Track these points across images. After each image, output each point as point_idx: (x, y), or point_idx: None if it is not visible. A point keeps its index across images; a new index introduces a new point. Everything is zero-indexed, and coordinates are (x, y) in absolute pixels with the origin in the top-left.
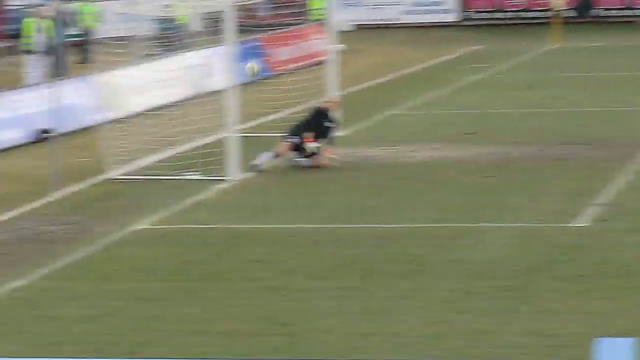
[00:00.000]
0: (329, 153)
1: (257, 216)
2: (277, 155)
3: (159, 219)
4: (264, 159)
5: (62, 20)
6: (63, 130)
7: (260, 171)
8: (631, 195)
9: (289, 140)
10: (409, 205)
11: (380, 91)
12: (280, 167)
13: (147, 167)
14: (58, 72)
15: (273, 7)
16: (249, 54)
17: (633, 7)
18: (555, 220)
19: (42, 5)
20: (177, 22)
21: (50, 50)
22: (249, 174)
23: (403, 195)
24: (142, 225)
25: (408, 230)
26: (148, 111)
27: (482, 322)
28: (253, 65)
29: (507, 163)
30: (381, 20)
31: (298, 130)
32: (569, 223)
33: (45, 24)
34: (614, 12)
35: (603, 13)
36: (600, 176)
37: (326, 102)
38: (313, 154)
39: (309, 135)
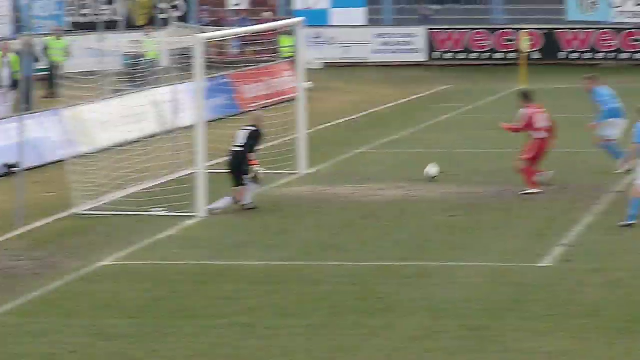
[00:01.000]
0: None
1: (225, 253)
2: (236, 201)
3: (126, 254)
4: (221, 205)
5: (29, 54)
6: (29, 164)
7: (215, 214)
8: (594, 236)
9: (244, 184)
10: (377, 243)
11: (349, 129)
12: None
13: (114, 203)
14: (25, 106)
15: (243, 44)
16: (218, 90)
17: (597, 50)
18: (522, 260)
19: (10, 39)
20: (146, 58)
21: (16, 84)
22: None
23: (371, 233)
24: (109, 261)
25: (376, 268)
26: (116, 146)
27: None
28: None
29: (474, 203)
30: (350, 58)
31: (241, 155)
32: (535, 263)
33: (12, 57)
34: (579, 55)
35: (569, 56)
36: (565, 217)
37: (255, 118)
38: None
39: (253, 157)
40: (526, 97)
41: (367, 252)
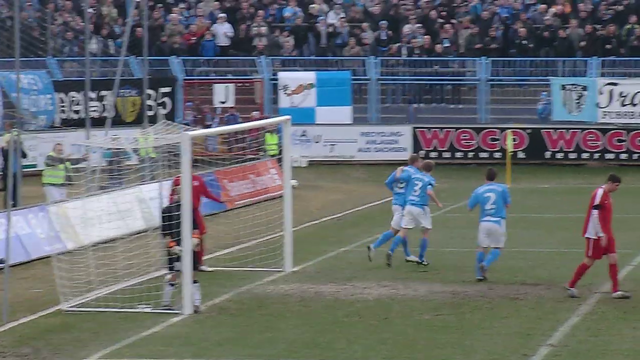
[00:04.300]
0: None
1: (211, 350)
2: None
3: (112, 351)
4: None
5: (16, 150)
6: (16, 260)
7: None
8: (580, 336)
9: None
10: (363, 342)
11: (333, 227)
12: (236, 300)
13: (100, 299)
14: (12, 202)
15: (229, 141)
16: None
17: (583, 150)
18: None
19: None
20: (134, 154)
21: (3, 180)
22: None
23: (357, 331)
24: (95, 358)
25: None
26: (102, 242)
27: None
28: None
29: (459, 301)
30: (336, 156)
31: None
32: None
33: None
34: (564, 155)
35: (554, 155)
36: (550, 317)
37: (172, 193)
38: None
39: (169, 239)
40: None
41: (352, 350)
